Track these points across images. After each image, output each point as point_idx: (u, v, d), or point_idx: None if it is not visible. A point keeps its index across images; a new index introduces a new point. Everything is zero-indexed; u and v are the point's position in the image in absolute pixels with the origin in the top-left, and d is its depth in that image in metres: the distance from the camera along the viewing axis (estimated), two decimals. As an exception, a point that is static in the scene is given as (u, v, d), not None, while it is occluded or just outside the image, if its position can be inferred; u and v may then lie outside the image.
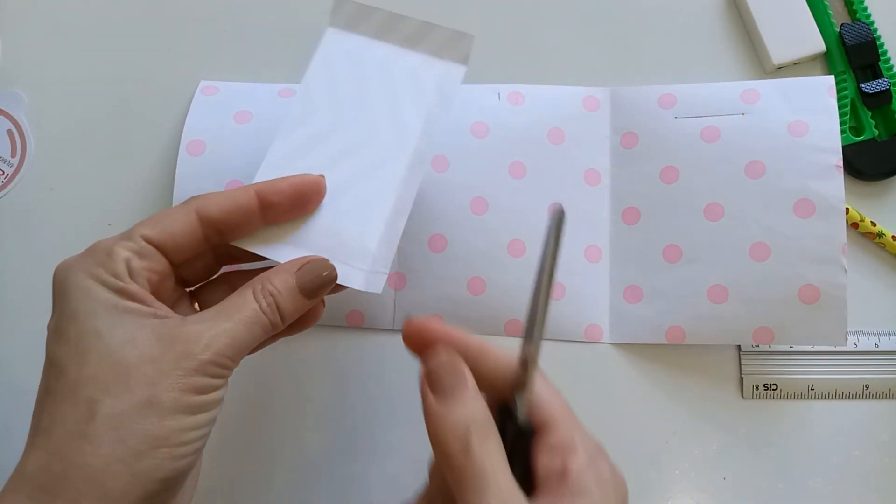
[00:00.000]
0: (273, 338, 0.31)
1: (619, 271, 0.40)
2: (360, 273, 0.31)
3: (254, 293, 0.28)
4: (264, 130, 0.40)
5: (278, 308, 0.28)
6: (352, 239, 0.31)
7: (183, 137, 0.40)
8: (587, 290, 0.40)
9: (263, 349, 0.31)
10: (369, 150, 0.33)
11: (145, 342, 0.25)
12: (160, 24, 0.45)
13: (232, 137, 0.40)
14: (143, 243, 0.27)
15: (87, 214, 0.43)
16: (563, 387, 0.39)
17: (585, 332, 0.40)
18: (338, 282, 0.30)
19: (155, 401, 0.24)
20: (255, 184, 0.29)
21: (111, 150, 0.43)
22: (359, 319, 0.40)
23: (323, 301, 0.31)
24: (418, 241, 0.40)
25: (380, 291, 0.31)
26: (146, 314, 0.26)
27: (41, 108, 0.45)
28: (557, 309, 0.40)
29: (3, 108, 0.45)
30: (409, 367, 0.40)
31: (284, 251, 0.30)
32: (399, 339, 0.40)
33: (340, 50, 0.34)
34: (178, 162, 0.40)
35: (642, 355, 0.40)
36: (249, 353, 0.30)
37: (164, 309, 0.27)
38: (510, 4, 0.45)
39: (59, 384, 0.25)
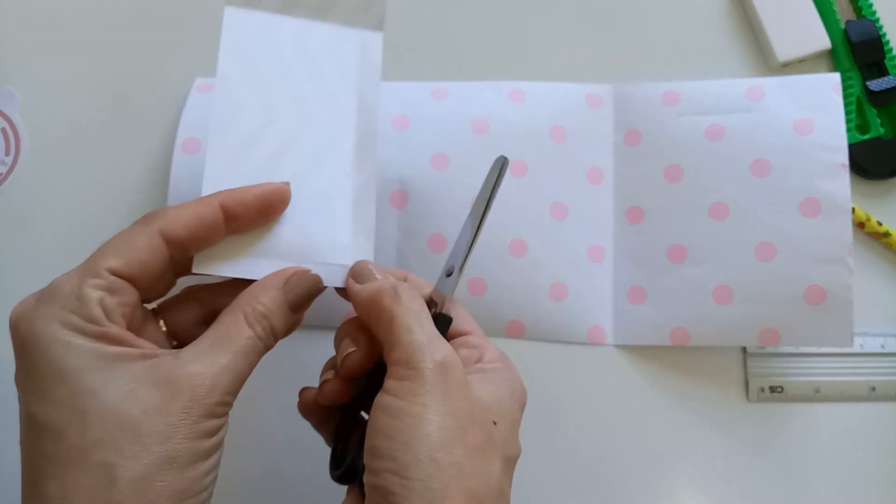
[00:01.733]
0: None
1: (622, 271, 0.40)
2: (342, 269, 0.30)
3: (245, 318, 0.27)
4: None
5: (272, 330, 0.27)
6: (322, 236, 0.30)
7: (178, 135, 0.40)
8: (590, 291, 0.40)
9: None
10: (309, 140, 0.31)
11: (146, 393, 0.24)
12: (155, 21, 0.45)
13: (228, 135, 0.40)
14: (112, 278, 0.25)
15: (82, 212, 0.43)
16: (565, 389, 0.39)
17: (588, 334, 0.39)
18: (324, 284, 0.29)
19: (173, 455, 0.23)
20: (219, 195, 0.28)
21: (106, 148, 0.43)
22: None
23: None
24: (418, 240, 0.39)
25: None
26: (135, 357, 0.25)
27: (35, 106, 0.44)
28: (560, 310, 0.39)
29: (-4, 106, 0.44)
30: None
31: (258, 266, 0.29)
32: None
33: (246, 31, 0.31)
34: (172, 160, 0.40)
35: (646, 357, 0.39)
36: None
37: (148, 346, 0.26)
38: (512, 1, 0.44)
39: (59, 448, 0.23)
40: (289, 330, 0.29)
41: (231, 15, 0.31)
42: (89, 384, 0.24)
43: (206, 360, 0.25)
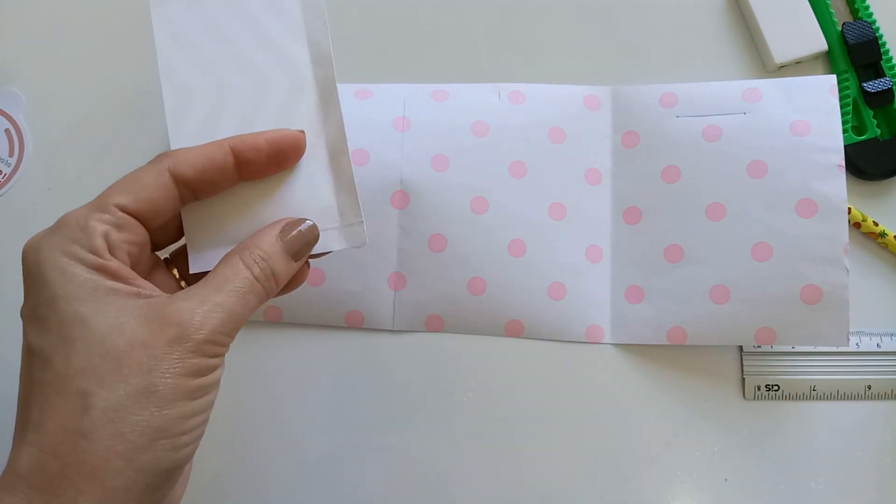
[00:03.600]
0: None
1: (620, 271, 0.40)
2: (333, 233, 0.29)
3: (243, 260, 0.26)
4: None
5: (272, 273, 0.26)
6: (304, 201, 0.29)
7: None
8: (588, 291, 0.40)
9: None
10: (269, 105, 0.29)
11: (134, 326, 0.23)
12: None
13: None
14: (120, 214, 0.25)
15: (85, 214, 0.43)
16: (562, 388, 0.39)
17: (586, 333, 0.40)
18: (316, 249, 0.28)
19: (152, 389, 0.23)
20: (230, 139, 0.27)
21: (109, 150, 0.43)
22: (358, 320, 0.40)
23: (307, 262, 0.30)
24: (418, 240, 0.39)
25: (366, 242, 0.29)
26: (130, 294, 0.24)
27: (39, 108, 0.45)
28: (558, 310, 0.40)
29: (0, 108, 0.45)
30: (410, 368, 0.40)
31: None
32: (399, 339, 0.40)
33: (176, 7, 0.30)
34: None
35: (644, 356, 0.40)
36: None
37: (147, 286, 0.25)
38: (511, 3, 0.45)
39: (45, 376, 0.23)
40: (289, 277, 0.28)
41: (155, 5, 0.30)
42: (80, 313, 0.23)
43: (198, 297, 0.25)
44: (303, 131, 0.29)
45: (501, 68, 0.43)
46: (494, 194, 0.40)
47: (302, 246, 0.28)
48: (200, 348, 0.24)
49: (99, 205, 0.25)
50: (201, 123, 0.29)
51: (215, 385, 0.25)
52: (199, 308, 0.24)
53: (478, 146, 0.40)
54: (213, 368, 0.25)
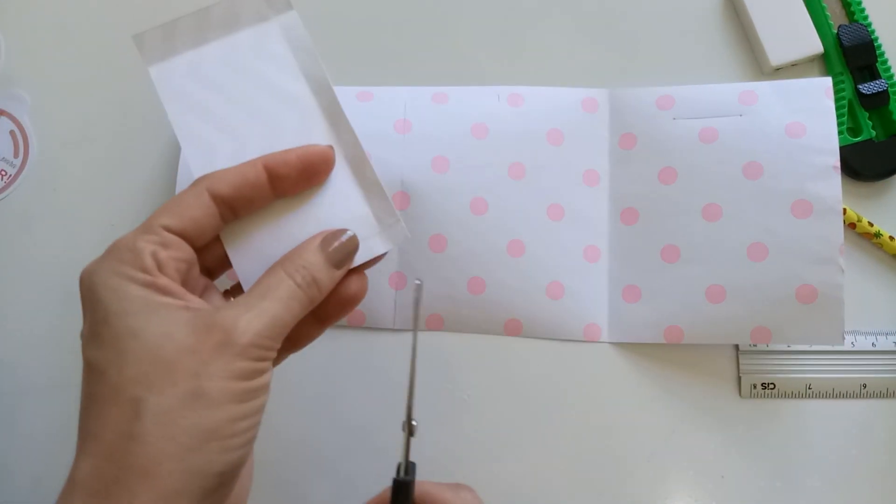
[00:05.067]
0: (320, 326, 0.30)
1: (617, 271, 0.40)
2: (375, 239, 0.30)
3: (285, 270, 0.27)
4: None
5: (314, 280, 0.27)
6: (339, 214, 0.30)
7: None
8: (586, 290, 0.40)
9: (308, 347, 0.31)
10: (285, 139, 0.31)
11: (182, 334, 0.24)
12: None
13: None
14: (166, 234, 0.26)
15: (90, 215, 0.43)
16: (561, 386, 0.40)
17: (584, 332, 0.40)
18: (360, 258, 0.30)
19: (200, 392, 0.24)
20: (263, 157, 0.29)
21: (113, 151, 0.44)
22: (360, 319, 0.40)
23: (364, 274, 0.31)
24: (418, 240, 0.40)
25: (408, 237, 0.31)
26: (178, 307, 0.25)
27: (44, 109, 0.45)
28: (557, 309, 0.40)
29: (5, 109, 0.45)
30: (409, 366, 0.40)
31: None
32: (401, 338, 0.40)
33: (178, 78, 0.31)
34: (179, 163, 0.40)
35: (641, 355, 0.40)
36: (295, 350, 0.30)
37: (195, 301, 0.26)
38: (509, 6, 0.45)
39: (100, 388, 0.24)
40: (333, 284, 0.28)
41: (157, 72, 0.31)
42: (132, 326, 0.24)
43: (243, 305, 0.26)
44: (331, 146, 0.30)
45: (501, 71, 0.43)
46: (494, 195, 0.40)
47: (343, 255, 0.29)
48: (246, 352, 0.25)
49: (146, 227, 0.26)
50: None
51: (264, 389, 0.26)
52: (244, 314, 0.25)
53: (477, 148, 0.40)
54: (261, 372, 0.25)
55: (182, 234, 0.27)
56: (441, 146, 0.40)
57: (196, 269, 0.28)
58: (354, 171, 0.31)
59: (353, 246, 0.29)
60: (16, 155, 0.44)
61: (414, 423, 0.30)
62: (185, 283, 0.27)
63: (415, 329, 0.30)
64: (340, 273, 0.29)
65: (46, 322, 0.42)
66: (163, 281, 0.26)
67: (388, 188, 0.40)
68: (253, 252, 0.30)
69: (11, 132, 0.44)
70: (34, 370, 0.42)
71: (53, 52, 0.45)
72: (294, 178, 0.29)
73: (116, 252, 0.26)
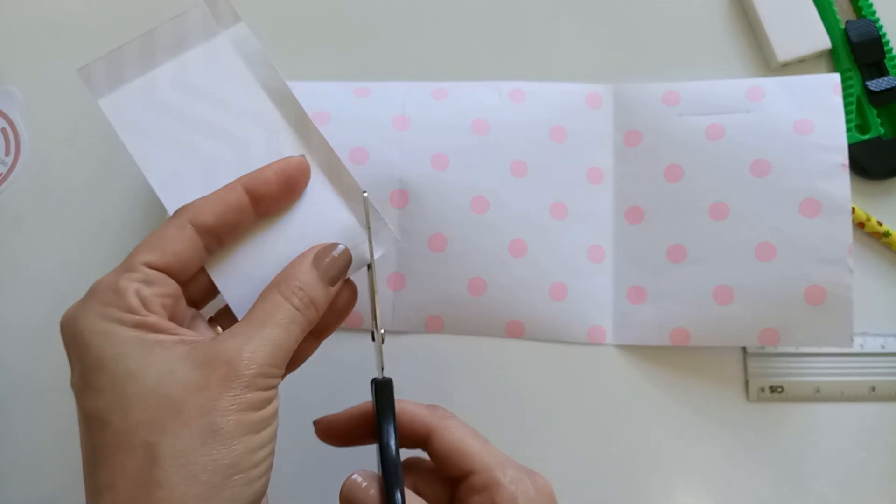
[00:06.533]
0: (315, 341, 0.30)
1: (622, 272, 0.40)
2: (364, 245, 0.30)
3: (281, 293, 0.27)
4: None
5: (311, 301, 0.27)
6: (325, 227, 0.30)
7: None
8: (590, 291, 0.40)
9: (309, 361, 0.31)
10: (254, 156, 0.30)
11: (185, 371, 0.24)
12: (156, 21, 0.45)
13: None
14: (148, 271, 0.26)
15: (82, 213, 0.43)
16: (565, 389, 0.39)
17: (588, 334, 0.39)
18: (351, 270, 0.29)
19: (215, 428, 0.23)
20: (240, 179, 0.28)
21: (106, 149, 0.43)
22: (357, 321, 0.40)
23: (353, 281, 0.30)
24: (418, 240, 0.39)
25: (398, 239, 0.31)
26: (175, 342, 0.25)
27: (35, 106, 0.45)
28: (560, 310, 0.39)
29: (-4, 106, 0.44)
30: (409, 369, 0.40)
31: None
32: (399, 340, 0.40)
33: (130, 106, 0.30)
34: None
35: (646, 357, 0.39)
36: (294, 369, 0.30)
37: (189, 333, 0.26)
38: (512, 2, 0.44)
39: (105, 437, 0.23)
40: (328, 303, 0.28)
41: (107, 104, 0.30)
42: (129, 368, 0.24)
43: (244, 334, 0.25)
44: (303, 155, 0.29)
45: (502, 66, 0.43)
46: (495, 193, 0.39)
47: (337, 270, 0.28)
48: (254, 382, 0.24)
49: (126, 266, 0.26)
50: (198, 192, 0.30)
51: (274, 416, 0.26)
52: (247, 344, 0.25)
53: (478, 145, 0.40)
54: (270, 400, 0.25)
55: (165, 270, 0.26)
56: (441, 143, 0.40)
57: (182, 303, 0.28)
58: (331, 179, 0.30)
59: (345, 260, 0.29)
60: (7, 153, 0.44)
61: (382, 332, 0.29)
62: (174, 317, 0.27)
63: (370, 241, 0.29)
64: (334, 290, 0.28)
65: (40, 322, 0.42)
66: (151, 319, 0.25)
67: (387, 186, 0.39)
68: (241, 277, 0.29)
69: (3, 129, 0.44)
70: (28, 369, 0.41)
71: (45, 48, 0.45)
72: (276, 196, 0.29)
73: (99, 294, 0.25)
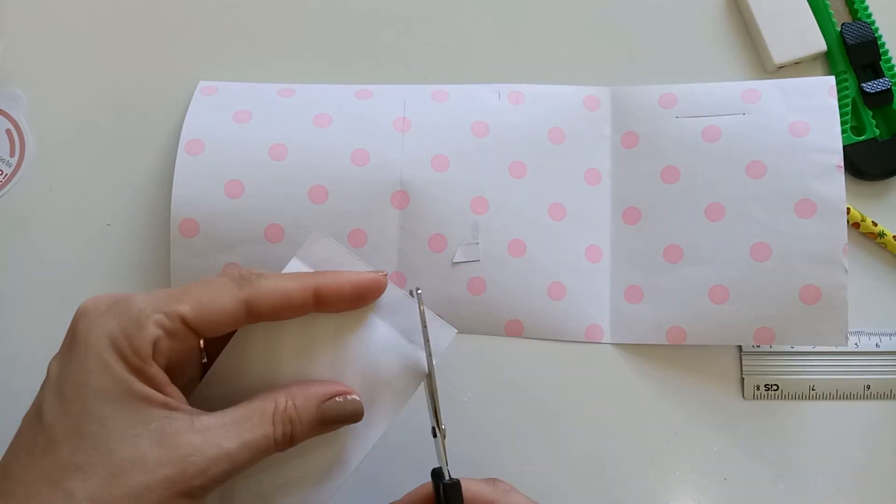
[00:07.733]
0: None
1: (619, 271, 0.40)
2: (412, 357, 0.29)
3: (274, 413, 0.26)
4: (263, 130, 0.40)
5: (291, 436, 0.26)
6: (369, 346, 0.29)
7: (182, 136, 0.40)
8: (588, 291, 0.40)
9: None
10: None
11: (144, 445, 0.24)
12: (159, 23, 0.45)
13: (231, 137, 0.40)
14: (179, 324, 0.25)
15: (86, 214, 0.43)
16: (563, 387, 0.40)
17: (586, 333, 0.40)
18: (404, 386, 0.29)
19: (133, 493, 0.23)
20: (315, 279, 0.27)
21: (110, 150, 0.43)
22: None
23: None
24: (419, 241, 0.39)
25: (456, 331, 0.30)
26: (156, 404, 0.25)
27: (40, 108, 0.44)
28: (558, 309, 0.40)
29: (1, 108, 0.45)
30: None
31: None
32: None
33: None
34: (176, 161, 0.40)
35: (643, 356, 0.40)
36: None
37: (176, 395, 0.25)
38: (510, 4, 0.45)
39: (44, 462, 0.24)
40: (302, 441, 0.28)
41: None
42: (101, 413, 0.24)
43: (214, 438, 0.25)
44: (385, 273, 0.29)
45: (501, 69, 0.43)
46: (494, 194, 0.40)
47: (337, 421, 0.28)
48: (192, 491, 0.24)
49: (164, 306, 0.25)
50: None
51: None
52: (209, 451, 0.24)
53: (478, 146, 0.40)
54: (202, 500, 0.25)
55: (195, 328, 0.26)
56: (441, 145, 0.40)
57: (193, 353, 0.28)
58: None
59: (349, 413, 0.28)
60: (12, 154, 0.44)
61: (443, 426, 0.29)
62: (177, 367, 0.26)
63: (426, 338, 0.29)
64: (321, 431, 0.28)
65: (41, 323, 0.42)
66: (152, 370, 0.25)
67: (388, 187, 0.40)
68: (269, 350, 0.28)
69: (7, 131, 0.44)
70: (29, 370, 0.41)
71: (50, 49, 0.45)
72: (342, 306, 0.28)
73: (124, 314, 0.25)
